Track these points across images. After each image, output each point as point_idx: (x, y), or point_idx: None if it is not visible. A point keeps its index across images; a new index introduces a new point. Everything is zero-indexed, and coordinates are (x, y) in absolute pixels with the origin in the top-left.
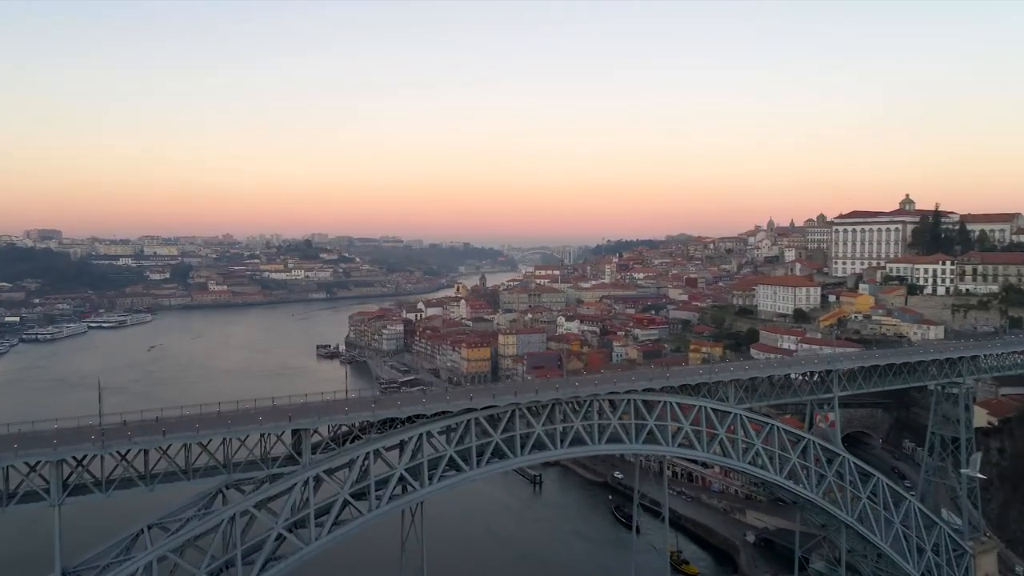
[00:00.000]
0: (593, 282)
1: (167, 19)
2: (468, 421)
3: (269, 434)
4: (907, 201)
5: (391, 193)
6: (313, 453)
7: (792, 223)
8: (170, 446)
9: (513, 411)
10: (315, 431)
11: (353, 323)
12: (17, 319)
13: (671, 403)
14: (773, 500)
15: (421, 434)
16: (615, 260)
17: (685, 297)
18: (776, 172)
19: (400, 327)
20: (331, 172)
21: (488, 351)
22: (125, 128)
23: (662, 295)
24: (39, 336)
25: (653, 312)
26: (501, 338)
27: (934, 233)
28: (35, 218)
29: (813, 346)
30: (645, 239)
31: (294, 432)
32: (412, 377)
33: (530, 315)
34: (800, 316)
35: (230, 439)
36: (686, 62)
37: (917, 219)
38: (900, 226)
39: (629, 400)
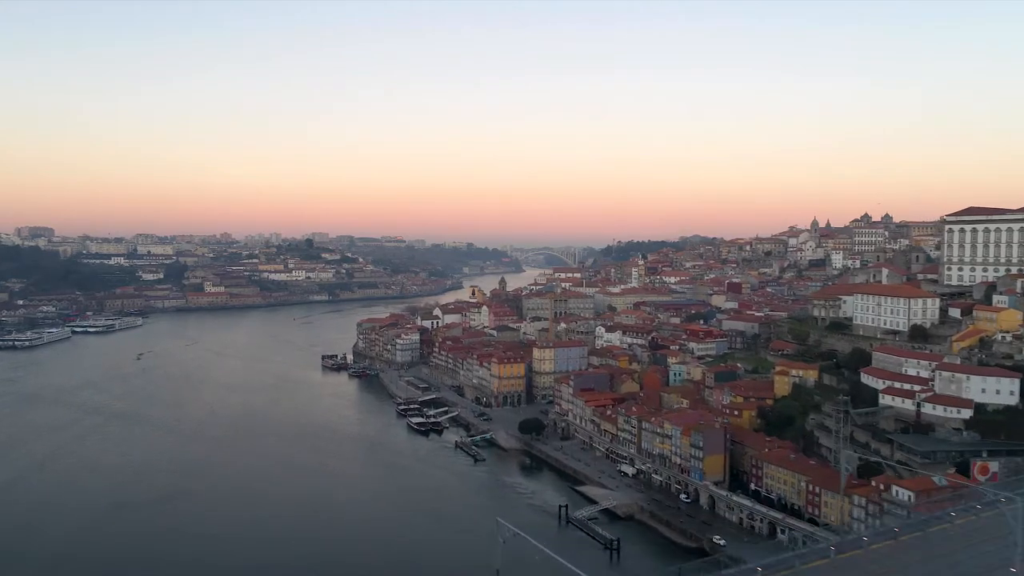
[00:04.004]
0: (622, 286)
1: (167, 17)
2: None
3: None
4: None
5: (391, 192)
6: None
7: (828, 223)
8: None
9: None
10: None
11: (362, 331)
12: None
13: None
14: None
15: None
16: (641, 262)
17: (734, 304)
18: (783, 174)
19: (416, 336)
20: (331, 171)
21: (522, 367)
22: (123, 126)
23: (705, 302)
24: (16, 343)
25: (701, 321)
26: (536, 352)
27: None
28: (29, 216)
29: (956, 374)
30: (657, 240)
31: None
32: (433, 396)
33: (563, 324)
34: (918, 334)
35: None
36: (690, 65)
37: None
38: None
39: None
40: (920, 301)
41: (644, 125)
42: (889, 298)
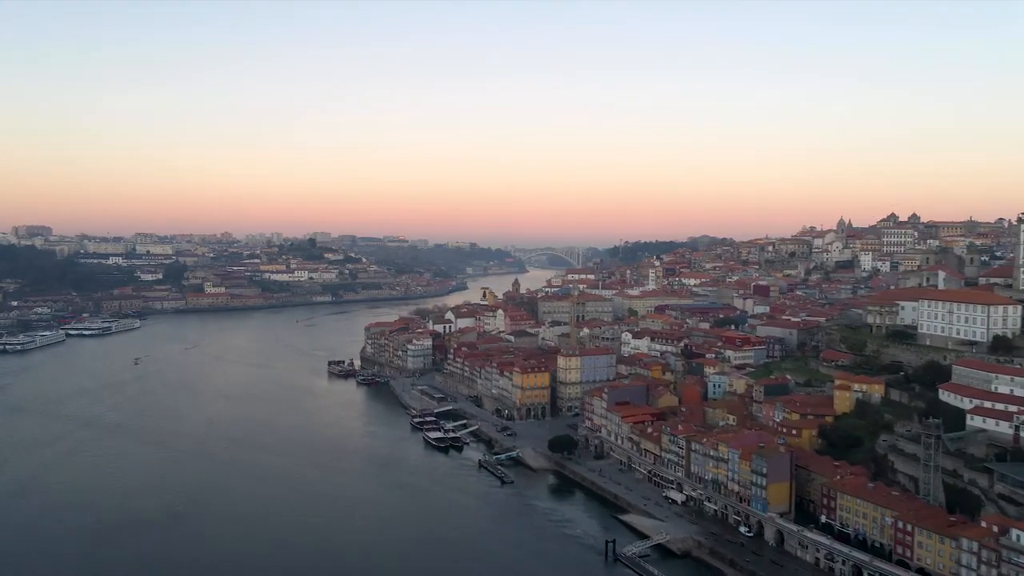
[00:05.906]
0: (640, 288)
1: (167, 17)
2: None
3: None
4: None
5: (393, 192)
6: None
7: (850, 223)
8: None
9: None
10: None
11: (370, 336)
12: None
13: None
14: None
15: None
16: (657, 263)
17: (764, 309)
18: (787, 175)
19: (428, 342)
20: (332, 171)
21: (546, 377)
22: (123, 126)
23: (731, 306)
24: (7, 347)
25: (732, 327)
26: (561, 360)
27: None
28: (26, 215)
29: None
30: (665, 241)
31: None
32: (449, 407)
33: (586, 329)
34: (1002, 345)
35: None
36: (687, 67)
37: None
38: None
39: None
40: (1000, 309)
41: (644, 126)
42: (964, 305)
